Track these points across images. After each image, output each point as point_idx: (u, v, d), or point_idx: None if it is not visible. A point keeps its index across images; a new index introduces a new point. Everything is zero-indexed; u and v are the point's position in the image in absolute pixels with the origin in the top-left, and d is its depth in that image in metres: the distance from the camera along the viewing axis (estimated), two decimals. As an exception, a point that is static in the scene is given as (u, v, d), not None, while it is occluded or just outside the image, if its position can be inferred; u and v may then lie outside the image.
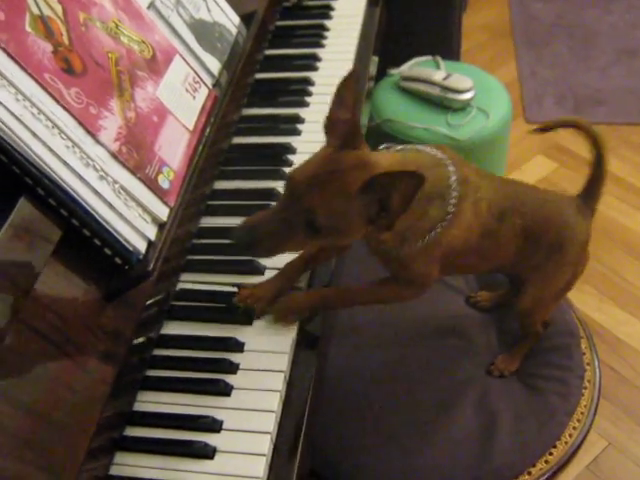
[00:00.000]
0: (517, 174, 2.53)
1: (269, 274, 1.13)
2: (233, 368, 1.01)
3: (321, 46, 1.60)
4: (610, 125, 2.79)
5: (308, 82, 1.50)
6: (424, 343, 1.39)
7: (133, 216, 0.97)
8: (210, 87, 1.24)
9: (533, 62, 3.09)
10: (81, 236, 0.92)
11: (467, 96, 2.02)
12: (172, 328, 1.08)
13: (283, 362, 1.01)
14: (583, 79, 2.99)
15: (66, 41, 0.98)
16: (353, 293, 1.14)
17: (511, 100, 2.12)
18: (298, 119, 1.40)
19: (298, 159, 1.30)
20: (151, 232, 1.00)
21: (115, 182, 0.96)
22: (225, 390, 0.99)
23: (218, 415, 0.96)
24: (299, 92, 1.48)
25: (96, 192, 0.93)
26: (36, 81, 0.91)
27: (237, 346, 1.04)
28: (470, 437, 1.24)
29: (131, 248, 0.96)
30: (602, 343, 2.02)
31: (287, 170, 1.24)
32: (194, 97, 1.18)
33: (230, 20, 1.39)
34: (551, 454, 1.24)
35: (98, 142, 0.96)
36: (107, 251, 0.94)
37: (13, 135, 0.86)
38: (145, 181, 1.01)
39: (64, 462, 0.82)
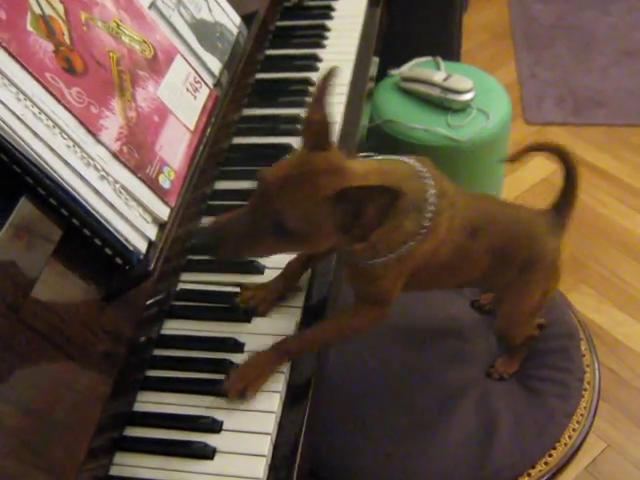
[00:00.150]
0: (517, 175, 2.53)
1: (269, 273, 1.13)
2: (233, 367, 1.01)
3: (322, 46, 1.60)
4: (610, 126, 2.80)
5: (309, 82, 1.50)
6: (423, 345, 1.38)
7: (134, 216, 0.97)
8: (211, 87, 1.24)
9: (533, 63, 3.10)
10: (82, 236, 0.92)
11: (467, 97, 2.02)
12: (172, 328, 1.08)
13: (284, 365, 1.01)
14: (583, 80, 2.99)
15: (67, 41, 0.98)
16: (315, 334, 1.06)
17: (511, 101, 2.12)
18: (299, 120, 1.40)
19: (298, 159, 1.30)
20: (152, 232, 1.00)
21: (116, 182, 0.96)
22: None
23: (218, 415, 0.96)
24: (300, 92, 1.48)
25: (97, 192, 0.93)
26: (37, 80, 0.91)
27: (237, 346, 1.04)
28: (470, 439, 1.24)
29: (132, 248, 0.96)
30: (601, 344, 2.01)
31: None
32: (195, 97, 1.18)
33: (231, 20, 1.39)
34: (550, 456, 1.24)
35: (99, 142, 0.96)
36: (108, 251, 0.94)
37: (14, 134, 0.86)
38: (146, 181, 1.01)
39: (64, 462, 0.82)
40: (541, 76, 3.03)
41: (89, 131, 0.95)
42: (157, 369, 1.03)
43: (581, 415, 1.30)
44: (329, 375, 1.17)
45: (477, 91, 2.03)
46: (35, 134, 0.88)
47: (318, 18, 1.70)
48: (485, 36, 3.28)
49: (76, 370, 0.88)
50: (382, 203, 0.86)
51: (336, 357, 1.28)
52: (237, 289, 1.11)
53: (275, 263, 1.13)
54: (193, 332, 1.07)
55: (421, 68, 2.16)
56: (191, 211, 1.16)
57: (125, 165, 0.98)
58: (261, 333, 1.05)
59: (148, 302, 1.01)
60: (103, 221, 0.93)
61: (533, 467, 1.23)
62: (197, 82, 1.20)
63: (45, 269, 0.87)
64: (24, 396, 0.81)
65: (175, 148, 1.09)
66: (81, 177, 0.92)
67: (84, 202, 0.91)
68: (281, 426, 0.96)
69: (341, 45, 1.61)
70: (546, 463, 1.23)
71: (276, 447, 0.94)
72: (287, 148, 1.33)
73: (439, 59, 2.21)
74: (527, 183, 2.54)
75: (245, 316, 1.08)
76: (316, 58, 1.56)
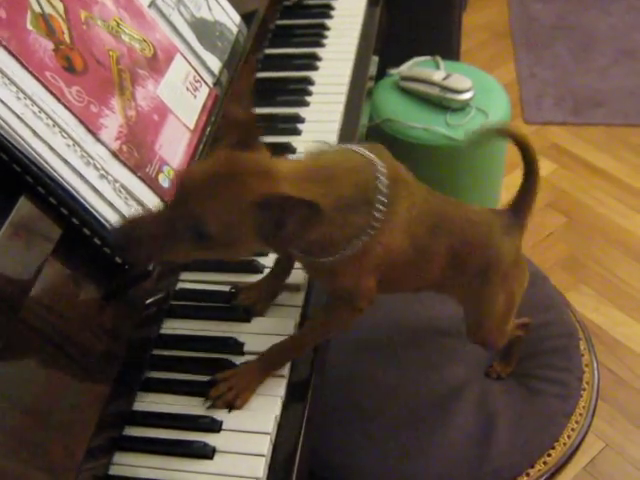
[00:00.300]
0: (516, 175, 2.51)
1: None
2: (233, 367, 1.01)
3: (321, 45, 1.60)
4: (609, 126, 2.80)
5: (308, 81, 1.50)
6: (422, 344, 1.38)
7: (133, 215, 0.97)
8: (211, 86, 1.24)
9: (532, 63, 3.09)
10: (81, 235, 0.92)
11: (466, 96, 2.02)
12: (172, 327, 1.08)
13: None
14: (582, 80, 2.99)
15: (67, 39, 0.98)
16: (296, 342, 1.04)
17: (510, 101, 2.12)
18: (298, 118, 1.40)
19: (298, 159, 1.30)
20: (151, 231, 0.99)
21: (115, 181, 0.96)
22: (225, 390, 0.99)
23: (218, 415, 0.96)
24: (299, 91, 1.48)
25: (96, 191, 0.93)
26: (37, 79, 0.91)
27: (237, 346, 1.04)
28: (469, 438, 1.24)
29: (131, 247, 0.96)
30: (599, 344, 2.01)
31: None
32: (195, 96, 1.18)
33: (231, 19, 1.39)
34: (549, 455, 1.24)
35: (99, 141, 0.96)
36: (107, 250, 0.94)
37: (14, 133, 0.86)
38: (145, 180, 1.00)
39: (63, 462, 0.82)
40: (540, 76, 3.03)
41: (89, 130, 0.95)
42: (156, 369, 1.03)
43: (580, 415, 1.30)
44: (328, 375, 1.17)
45: (476, 90, 2.03)
46: (35, 133, 0.88)
47: (318, 17, 1.70)
48: (484, 35, 3.28)
49: (75, 369, 0.87)
50: (301, 216, 0.81)
51: (335, 357, 1.27)
52: (233, 290, 1.12)
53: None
54: (192, 332, 1.07)
55: (420, 67, 2.16)
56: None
57: (125, 164, 0.98)
58: (261, 333, 1.05)
59: (147, 301, 1.01)
60: (103, 220, 0.93)
61: (532, 467, 1.23)
62: (197, 81, 1.20)
63: (44, 268, 0.86)
64: (23, 395, 0.81)
65: (175, 147, 1.09)
66: (81, 176, 0.92)
67: (83, 201, 0.91)
68: (281, 426, 0.96)
69: (341, 44, 1.61)
70: (545, 463, 1.24)
71: (276, 447, 0.94)
72: (286, 147, 1.33)
73: (438, 58, 2.21)
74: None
75: (245, 316, 1.08)
76: (316, 57, 1.56)
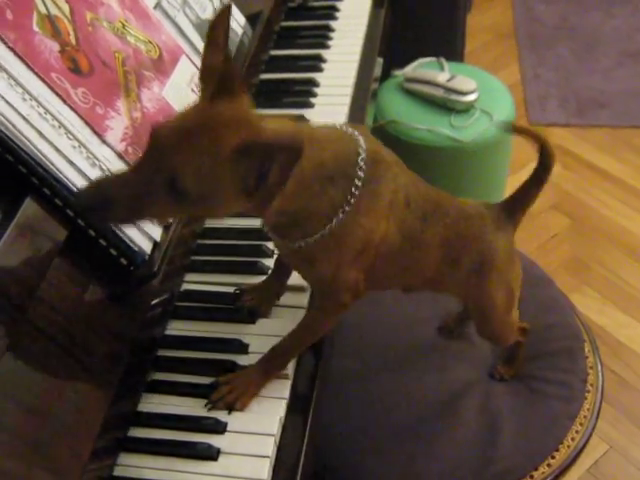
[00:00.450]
0: (520, 176, 2.51)
1: (273, 275, 1.13)
2: (238, 370, 1.01)
3: (326, 47, 1.60)
4: (613, 128, 2.79)
5: (313, 83, 1.50)
6: (427, 345, 1.38)
7: (139, 217, 0.97)
8: (216, 87, 1.24)
9: (536, 64, 3.09)
10: (87, 236, 0.92)
11: (471, 98, 2.02)
12: (176, 329, 1.08)
13: (288, 366, 1.01)
14: (586, 82, 2.99)
15: (73, 41, 0.98)
16: (290, 345, 1.02)
17: (514, 102, 2.12)
18: (303, 119, 1.40)
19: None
20: (156, 233, 1.00)
21: (121, 182, 0.96)
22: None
23: (222, 416, 0.96)
24: (304, 93, 1.48)
25: (102, 192, 0.93)
26: (43, 81, 0.91)
27: (242, 348, 1.04)
28: (473, 440, 1.24)
29: (136, 248, 0.96)
30: (603, 346, 2.01)
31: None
32: (200, 97, 1.18)
33: (236, 20, 1.39)
34: (553, 457, 1.24)
35: (104, 142, 0.96)
36: (112, 251, 0.94)
37: (20, 135, 0.86)
38: (151, 182, 1.00)
39: (68, 462, 0.82)
40: (544, 77, 3.03)
41: (94, 131, 0.95)
42: (161, 370, 1.03)
43: (584, 417, 1.30)
44: (332, 377, 1.17)
45: (480, 92, 2.03)
46: (41, 134, 0.88)
47: (322, 19, 1.70)
48: (489, 37, 3.28)
49: (81, 370, 0.88)
50: (284, 161, 0.76)
51: (339, 358, 1.28)
52: (238, 291, 1.12)
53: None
54: (197, 333, 1.07)
55: (425, 69, 2.16)
56: (195, 212, 1.16)
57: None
58: (266, 334, 1.05)
59: (152, 303, 1.01)
60: (108, 222, 0.93)
61: (536, 469, 1.23)
62: (202, 82, 1.20)
63: (50, 269, 0.87)
64: (28, 396, 0.81)
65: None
66: (87, 178, 0.92)
67: (89, 202, 0.91)
68: (285, 428, 0.96)
69: (345, 46, 1.61)
70: (549, 465, 1.23)
71: (280, 449, 0.94)
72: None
73: (443, 60, 2.21)
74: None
75: (250, 317, 1.08)
76: (320, 59, 1.56)
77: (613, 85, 2.97)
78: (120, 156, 0.97)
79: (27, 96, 0.88)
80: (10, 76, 0.87)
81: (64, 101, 0.93)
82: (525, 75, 3.04)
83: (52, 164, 0.89)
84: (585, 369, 1.36)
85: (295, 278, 1.12)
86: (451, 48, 2.48)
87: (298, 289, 1.12)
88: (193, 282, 1.14)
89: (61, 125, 0.91)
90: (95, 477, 0.88)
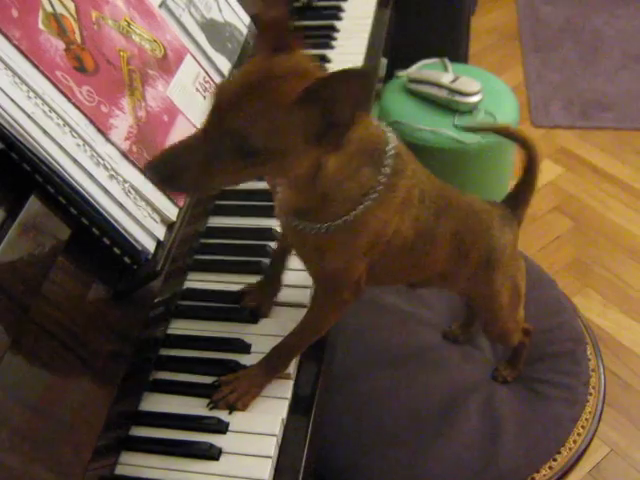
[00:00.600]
0: (523, 178, 2.52)
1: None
2: (240, 369, 1.01)
3: (331, 47, 1.60)
4: (617, 130, 2.79)
5: (317, 83, 1.49)
6: (429, 347, 1.38)
7: (142, 215, 0.97)
8: (220, 87, 1.24)
9: (540, 66, 3.09)
10: (90, 235, 0.92)
11: (474, 99, 2.02)
12: (179, 328, 1.08)
13: (290, 365, 1.01)
14: (590, 84, 2.99)
15: (78, 39, 0.98)
16: (292, 344, 1.01)
17: (518, 104, 2.12)
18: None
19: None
20: (160, 232, 1.00)
21: (125, 181, 0.96)
22: (231, 391, 0.99)
23: (224, 416, 0.96)
24: (308, 93, 1.47)
25: (106, 191, 0.93)
26: (48, 79, 0.91)
27: (244, 347, 1.04)
28: (475, 442, 1.24)
29: (140, 247, 0.96)
30: (605, 349, 2.01)
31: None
32: (204, 97, 1.18)
33: (241, 20, 1.39)
34: (555, 460, 1.24)
35: (109, 141, 0.96)
36: (116, 250, 0.94)
37: (24, 133, 0.86)
38: (155, 180, 1.00)
39: (71, 461, 0.82)
40: (548, 79, 3.03)
41: (99, 130, 0.95)
42: (163, 369, 1.03)
43: (586, 420, 1.29)
44: (335, 378, 1.17)
45: (484, 93, 2.03)
46: (45, 132, 0.88)
47: (327, 19, 1.69)
48: (493, 38, 3.27)
49: (83, 369, 0.88)
50: (352, 91, 0.73)
51: (342, 360, 1.27)
52: (243, 286, 1.12)
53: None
54: (200, 332, 1.07)
55: (429, 70, 2.16)
56: (199, 211, 1.16)
57: (134, 164, 0.98)
58: (268, 334, 1.05)
59: (155, 302, 1.01)
60: (112, 220, 0.93)
61: (537, 471, 1.23)
62: (206, 82, 1.20)
63: (53, 268, 0.87)
64: (31, 395, 0.81)
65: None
66: (90, 176, 0.92)
67: (93, 201, 0.91)
68: (287, 428, 0.96)
69: (350, 46, 1.61)
70: (550, 467, 1.23)
71: (282, 449, 0.94)
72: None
73: (447, 61, 2.21)
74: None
75: (252, 317, 1.08)
76: (325, 59, 1.56)
77: (617, 87, 2.96)
78: (124, 155, 0.97)
79: (32, 94, 0.88)
80: (15, 74, 0.87)
81: (69, 99, 0.93)
82: (529, 77, 3.04)
83: (56, 162, 0.89)
84: (587, 372, 1.35)
85: (297, 278, 1.12)
86: (455, 49, 2.48)
87: (300, 288, 1.12)
88: (196, 281, 1.14)
89: (66, 123, 0.91)
90: (97, 475, 0.88)
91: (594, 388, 1.34)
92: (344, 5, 1.73)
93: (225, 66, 1.29)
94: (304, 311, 1.08)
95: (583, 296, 2.22)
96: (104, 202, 0.93)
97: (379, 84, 1.62)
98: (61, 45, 0.95)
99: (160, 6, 1.19)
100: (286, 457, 0.93)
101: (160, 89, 1.09)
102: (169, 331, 1.08)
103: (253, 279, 1.13)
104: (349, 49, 1.60)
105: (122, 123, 0.99)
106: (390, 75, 2.13)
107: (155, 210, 1.00)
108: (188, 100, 1.13)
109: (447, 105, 2.04)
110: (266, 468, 0.91)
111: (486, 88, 2.05)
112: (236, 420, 0.96)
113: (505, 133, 1.25)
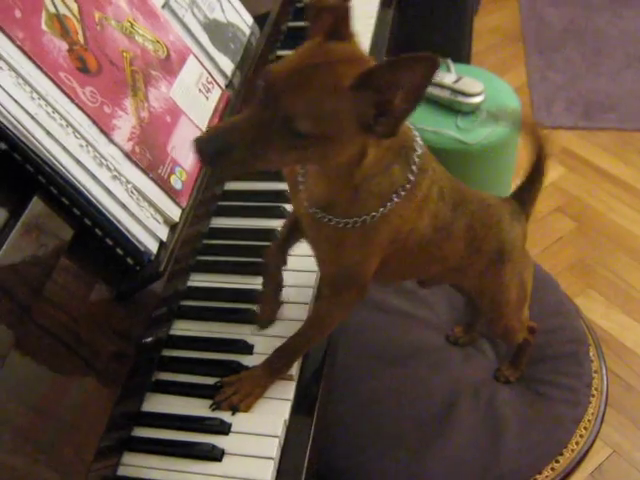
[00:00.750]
0: (525, 178, 2.52)
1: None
2: (242, 370, 1.01)
3: (333, 48, 1.60)
4: (620, 131, 2.79)
5: (320, 84, 1.49)
6: (431, 348, 1.38)
7: (145, 216, 0.97)
8: (223, 88, 1.24)
9: (543, 67, 3.09)
10: (93, 236, 0.92)
11: (477, 100, 2.01)
12: (181, 329, 1.08)
13: (293, 367, 1.01)
14: (593, 84, 2.98)
15: (81, 40, 0.98)
16: (296, 344, 1.01)
17: (521, 104, 2.12)
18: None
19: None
20: (163, 233, 1.00)
21: (128, 182, 0.96)
22: (234, 392, 0.99)
23: (227, 417, 0.96)
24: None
25: (109, 192, 0.93)
26: (51, 80, 0.91)
27: (247, 348, 1.04)
28: (477, 443, 1.24)
29: (143, 248, 0.96)
30: (608, 350, 2.01)
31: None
32: (207, 97, 1.18)
33: (244, 20, 1.39)
34: (557, 461, 1.24)
35: (112, 141, 0.96)
36: (119, 251, 0.94)
37: (27, 133, 0.86)
38: (158, 181, 1.01)
39: (73, 462, 0.82)
40: (551, 79, 3.02)
41: (102, 131, 0.95)
42: (166, 370, 1.03)
43: (588, 421, 1.29)
44: (337, 378, 1.17)
45: (487, 94, 2.03)
46: (48, 133, 0.88)
47: (330, 19, 1.69)
48: (496, 39, 3.27)
49: (86, 370, 0.88)
50: (417, 79, 0.72)
51: (343, 361, 1.27)
52: (246, 287, 1.12)
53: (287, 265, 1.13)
54: (202, 333, 1.07)
55: (431, 70, 2.15)
56: (202, 212, 1.16)
57: (137, 165, 0.98)
58: (271, 335, 1.05)
59: (158, 302, 1.01)
60: (115, 221, 0.93)
61: (540, 473, 1.23)
62: (209, 83, 1.20)
63: (56, 269, 0.87)
64: (34, 395, 0.81)
65: (187, 149, 1.08)
66: (93, 177, 0.92)
67: (96, 202, 0.91)
68: (290, 429, 0.96)
69: (353, 46, 1.60)
70: (553, 469, 1.23)
71: (284, 450, 0.94)
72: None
73: (449, 61, 2.20)
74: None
75: (254, 317, 1.08)
76: (328, 59, 1.56)
77: (620, 88, 2.96)
78: (127, 155, 0.97)
79: (35, 95, 0.88)
80: (18, 75, 0.87)
81: (72, 100, 0.93)
82: (532, 77, 3.04)
83: (59, 163, 0.89)
84: (590, 373, 1.35)
85: (300, 279, 1.12)
86: (458, 49, 2.48)
87: (303, 287, 1.12)
88: (199, 282, 1.14)
89: (69, 124, 0.91)
90: (99, 476, 0.88)
91: (596, 389, 1.34)
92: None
93: (228, 67, 1.29)
94: (307, 311, 1.08)
95: (585, 297, 2.22)
96: (107, 203, 0.92)
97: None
98: (64, 46, 0.95)
99: (163, 7, 1.19)
100: (288, 458, 0.93)
101: (163, 90, 1.09)
102: (172, 332, 1.08)
103: (256, 280, 1.12)
104: (352, 50, 1.59)
105: (125, 124, 0.99)
106: (393, 75, 2.12)
107: (158, 211, 1.00)
108: (191, 101, 1.13)
109: (449, 106, 2.03)
110: (268, 469, 0.91)
111: (489, 89, 2.04)
112: (238, 421, 0.96)
113: (521, 127, 1.24)
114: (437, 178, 0.96)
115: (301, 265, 1.12)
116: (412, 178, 0.90)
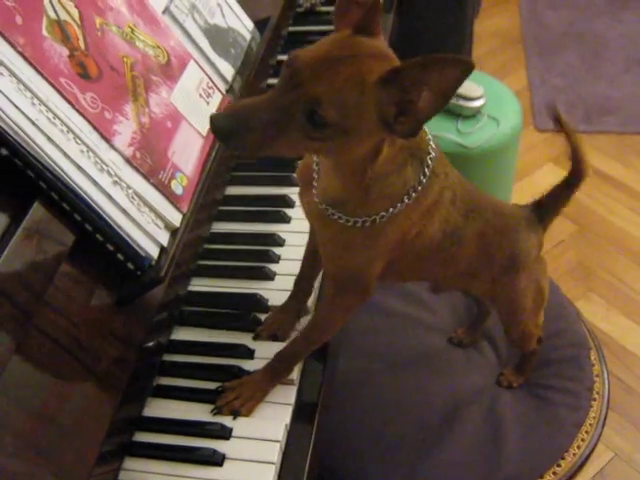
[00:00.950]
0: (527, 182, 2.52)
1: (280, 280, 1.13)
2: (243, 375, 1.01)
3: (334, 52, 1.60)
4: (620, 134, 2.79)
5: (320, 88, 1.49)
6: (433, 352, 1.38)
7: (146, 222, 0.97)
8: (224, 93, 1.24)
9: (543, 70, 3.09)
10: (94, 241, 0.93)
11: (478, 103, 2.02)
12: (182, 334, 1.08)
13: (294, 371, 1.01)
14: (593, 88, 2.99)
15: (82, 45, 0.98)
16: (298, 348, 1.02)
17: (521, 108, 2.12)
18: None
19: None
20: (164, 238, 1.00)
21: (129, 187, 0.96)
22: (235, 397, 0.99)
23: (227, 422, 0.96)
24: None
25: (110, 197, 0.93)
26: (52, 85, 0.91)
27: (248, 353, 1.04)
28: (478, 447, 1.24)
29: (144, 254, 0.96)
30: (608, 353, 2.00)
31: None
32: (208, 102, 1.18)
33: (244, 26, 1.39)
34: (559, 466, 1.23)
35: (112, 147, 0.96)
36: (120, 256, 0.94)
37: (28, 139, 0.86)
38: (158, 187, 1.01)
39: (74, 466, 0.82)
40: (551, 83, 3.03)
41: (103, 136, 0.95)
42: (167, 375, 1.03)
43: (590, 425, 1.29)
44: (338, 383, 1.17)
45: (487, 98, 2.03)
46: (49, 139, 0.88)
47: (330, 24, 1.67)
48: (496, 42, 3.28)
49: (87, 375, 0.88)
50: (447, 80, 0.72)
51: (345, 366, 1.27)
52: (247, 291, 1.12)
53: (287, 270, 1.13)
54: (203, 338, 1.07)
55: (432, 74, 2.15)
56: (202, 217, 1.16)
57: (138, 171, 0.98)
58: (271, 341, 1.05)
59: (159, 308, 1.01)
60: (116, 227, 0.93)
61: (541, 477, 1.22)
62: (210, 88, 1.20)
63: (57, 274, 0.87)
64: (35, 400, 0.81)
65: (187, 154, 1.09)
66: (94, 182, 0.92)
67: (97, 207, 0.91)
68: (291, 434, 0.96)
69: (353, 51, 1.60)
70: (554, 473, 1.23)
71: (286, 455, 0.94)
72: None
73: (450, 65, 2.20)
74: (537, 190, 2.53)
75: (255, 323, 1.08)
76: (328, 64, 1.56)
77: (620, 91, 2.96)
78: (128, 161, 0.97)
79: (36, 101, 0.88)
80: (19, 81, 0.88)
81: (73, 106, 0.93)
82: (532, 81, 3.04)
83: (60, 168, 0.89)
84: (591, 377, 1.35)
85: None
86: (458, 53, 2.47)
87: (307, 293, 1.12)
88: (200, 287, 1.14)
89: (69, 130, 0.91)
90: (100, 481, 0.88)
91: (598, 393, 1.34)
92: (347, 10, 1.73)
93: (228, 72, 1.29)
94: (308, 316, 1.09)
95: (586, 300, 2.22)
96: (108, 208, 0.93)
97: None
98: (65, 52, 0.95)
99: (163, 12, 1.19)
100: (289, 463, 0.93)
101: (164, 95, 1.09)
102: (173, 336, 1.08)
103: (256, 285, 1.13)
104: (352, 54, 1.59)
105: (126, 129, 0.99)
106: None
107: (159, 216, 1.00)
108: (192, 106, 1.14)
109: (450, 110, 2.03)
110: (269, 474, 0.91)
111: (489, 92, 2.05)
112: (240, 426, 0.96)
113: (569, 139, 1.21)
114: (450, 183, 0.96)
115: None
116: (424, 181, 0.90)
